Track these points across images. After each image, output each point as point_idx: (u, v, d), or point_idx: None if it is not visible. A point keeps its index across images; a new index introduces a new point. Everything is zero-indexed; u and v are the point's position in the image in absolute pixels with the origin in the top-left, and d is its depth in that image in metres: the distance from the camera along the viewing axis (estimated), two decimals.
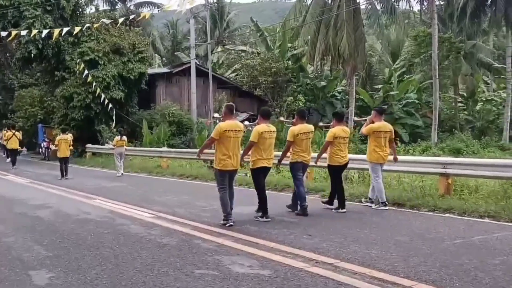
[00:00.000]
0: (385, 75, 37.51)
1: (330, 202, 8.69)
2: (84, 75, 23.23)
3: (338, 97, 32.51)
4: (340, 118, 8.88)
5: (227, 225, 7.17)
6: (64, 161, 15.72)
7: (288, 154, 8.44)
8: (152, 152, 19.67)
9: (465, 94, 38.26)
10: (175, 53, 45.96)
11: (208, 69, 30.38)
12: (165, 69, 30.56)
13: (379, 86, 34.52)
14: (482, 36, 39.50)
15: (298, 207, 8.14)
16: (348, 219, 7.80)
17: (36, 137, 30.97)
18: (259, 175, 7.81)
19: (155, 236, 6.55)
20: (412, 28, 38.63)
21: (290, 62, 30.91)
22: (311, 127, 8.44)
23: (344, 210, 8.33)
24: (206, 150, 8.85)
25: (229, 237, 6.39)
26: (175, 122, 25.79)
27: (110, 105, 23.55)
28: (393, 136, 8.92)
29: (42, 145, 26.60)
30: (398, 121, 30.77)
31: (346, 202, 8.59)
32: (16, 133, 21.76)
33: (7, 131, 22.52)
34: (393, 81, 34.42)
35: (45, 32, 16.50)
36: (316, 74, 32.80)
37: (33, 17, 22.68)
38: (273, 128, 7.84)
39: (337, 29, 27.13)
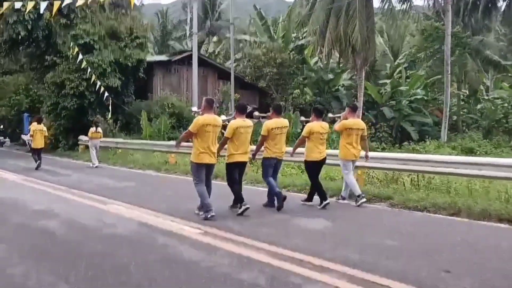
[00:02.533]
0: (387, 70, 36.17)
1: (309, 199, 8.64)
2: (78, 60, 21.19)
3: (344, 92, 30.93)
4: (319, 113, 8.70)
5: (209, 216, 7.12)
6: (38, 152, 15.54)
7: (262, 148, 8.39)
8: (157, 146, 17.74)
9: (467, 92, 37.12)
10: (168, 43, 43.82)
11: (210, 59, 28.65)
12: (163, 57, 28.54)
13: (384, 81, 33.12)
14: (486, 32, 38.40)
15: (276, 203, 8.01)
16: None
17: (20, 127, 28.74)
18: (233, 169, 7.80)
19: (228, 267, 4.81)
20: (415, 22, 37.29)
21: (293, 53, 29.15)
22: (286, 121, 8.48)
23: (327, 202, 8.20)
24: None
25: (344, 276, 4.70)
26: (175, 114, 23.92)
27: (106, 94, 21.56)
28: (366, 134, 8.98)
29: (29, 135, 24.40)
30: (406, 118, 29.42)
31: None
32: None
33: None
34: (399, 76, 33.08)
35: (43, 5, 14.37)
36: (321, 67, 31.20)
37: None
38: (250, 123, 7.84)
39: (349, 18, 25.56)
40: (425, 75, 32.34)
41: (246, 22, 43.43)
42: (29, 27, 21.31)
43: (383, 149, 24.48)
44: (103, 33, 22.44)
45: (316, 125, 8.44)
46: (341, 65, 30.40)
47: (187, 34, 42.11)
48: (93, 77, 21.22)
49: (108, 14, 23.45)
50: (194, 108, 9.71)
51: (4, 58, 31.97)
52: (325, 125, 8.64)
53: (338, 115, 9.58)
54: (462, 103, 35.99)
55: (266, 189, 8.38)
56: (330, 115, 10.54)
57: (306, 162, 8.63)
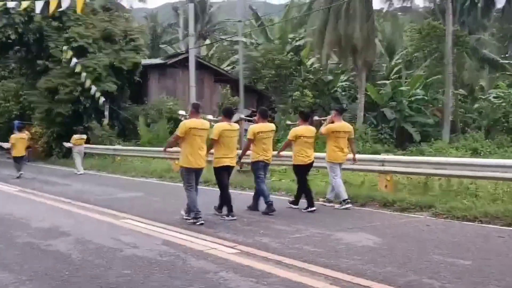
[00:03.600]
0: (383, 70, 35.65)
1: (295, 202, 8.59)
2: (71, 64, 20.33)
3: (343, 93, 30.31)
4: (306, 117, 8.74)
5: (198, 223, 7.14)
6: (19, 160, 15.51)
7: (249, 152, 8.43)
8: (159, 152, 16.86)
9: (464, 92, 36.71)
10: (160, 46, 42.92)
11: (207, 61, 27.95)
12: (158, 60, 27.69)
13: (383, 82, 32.54)
14: (482, 31, 38.09)
15: (260, 207, 8.13)
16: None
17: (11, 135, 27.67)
18: (222, 173, 7.75)
19: None
20: (411, 22, 36.88)
21: (291, 55, 28.48)
22: (272, 125, 8.45)
23: (314, 208, 8.19)
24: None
25: None
26: (173, 119, 23.06)
27: (103, 99, 20.71)
28: (353, 136, 8.98)
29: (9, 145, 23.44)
30: (407, 119, 28.85)
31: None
32: None
33: None
34: (398, 76, 32.59)
35: (39, 4, 13.52)
36: (318, 68, 30.56)
37: None
38: (235, 127, 7.84)
39: (349, 18, 25.00)
40: (424, 75, 31.86)
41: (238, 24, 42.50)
42: (20, 30, 20.50)
43: (386, 151, 23.90)
44: (97, 35, 21.60)
45: (303, 129, 8.44)
46: (340, 66, 29.76)
47: (180, 36, 41.26)
48: (88, 82, 20.36)
49: (102, 16, 22.59)
50: (182, 112, 9.54)
51: None
52: (312, 128, 8.60)
53: (324, 118, 9.54)
54: (459, 102, 35.61)
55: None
56: (316, 117, 10.42)
57: (294, 166, 8.62)
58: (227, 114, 7.96)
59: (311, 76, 29.54)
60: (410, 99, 29.44)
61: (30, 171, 17.65)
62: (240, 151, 8.63)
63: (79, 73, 20.35)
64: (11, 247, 6.06)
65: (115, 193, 11.34)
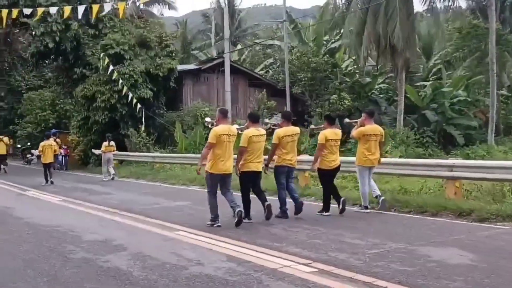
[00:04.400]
0: (421, 71, 34.59)
1: (326, 208, 8.36)
2: (108, 71, 20.18)
3: (381, 95, 29.41)
4: (332, 120, 8.67)
5: (215, 225, 7.37)
6: (48, 167, 15.94)
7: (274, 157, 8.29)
8: (197, 159, 16.44)
9: (506, 92, 35.30)
10: (192, 52, 42.78)
11: (241, 66, 27.56)
12: (192, 66, 27.41)
13: (421, 83, 31.53)
14: None
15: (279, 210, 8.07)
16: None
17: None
18: (247, 179, 7.79)
19: None
20: (449, 21, 35.75)
21: (327, 57, 27.77)
22: (296, 129, 8.43)
23: (328, 214, 8.21)
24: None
25: None
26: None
27: (139, 106, 20.47)
28: (383, 140, 8.86)
29: (59, 153, 23.40)
30: (450, 122, 27.76)
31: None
32: (4, 138, 21.27)
33: None
34: (438, 77, 31.49)
35: (80, 11, 13.31)
36: (354, 70, 29.81)
37: (49, 4, 19.58)
38: (263, 132, 7.88)
39: (388, 17, 24.19)
40: (466, 75, 30.73)
41: (268, 28, 42.05)
42: (57, 38, 20.47)
43: (430, 156, 23.01)
44: (133, 42, 21.44)
45: (330, 132, 8.33)
46: (378, 67, 28.91)
47: (212, 42, 41.02)
48: (125, 89, 20.17)
49: (137, 22, 22.45)
50: (208, 119, 9.58)
51: (31, 73, 31.45)
52: (338, 131, 8.54)
53: (355, 120, 9.37)
54: (501, 103, 34.24)
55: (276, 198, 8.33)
56: (346, 120, 10.38)
57: (319, 170, 8.48)
58: (254, 119, 7.97)
59: (347, 79, 28.82)
60: (452, 100, 28.37)
61: (68, 180, 17.57)
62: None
63: (116, 80, 20.19)
64: (66, 263, 5.62)
65: (160, 202, 10.92)
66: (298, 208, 8.09)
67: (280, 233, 6.99)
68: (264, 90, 24.18)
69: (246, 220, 7.56)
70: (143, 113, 20.76)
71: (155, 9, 47.18)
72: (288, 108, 17.69)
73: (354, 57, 28.61)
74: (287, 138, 8.11)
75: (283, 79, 26.92)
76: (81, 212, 9.79)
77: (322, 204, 8.59)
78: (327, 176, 8.45)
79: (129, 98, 20.27)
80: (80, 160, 23.45)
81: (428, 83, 30.57)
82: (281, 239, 6.54)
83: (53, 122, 27.46)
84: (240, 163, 7.69)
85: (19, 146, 29.07)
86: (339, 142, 8.47)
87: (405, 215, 8.18)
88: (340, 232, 6.93)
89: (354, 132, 8.66)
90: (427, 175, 9.40)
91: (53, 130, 26.57)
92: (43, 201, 11.96)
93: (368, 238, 6.43)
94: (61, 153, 22.98)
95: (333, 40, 29.76)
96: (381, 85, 30.16)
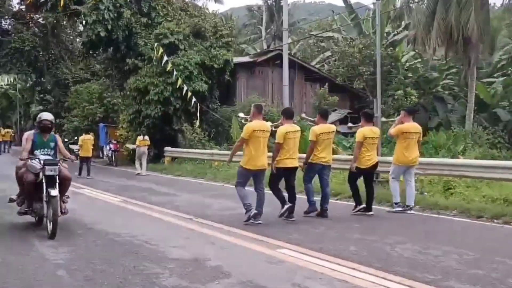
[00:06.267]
0: (484, 66, 32.14)
1: (368, 208, 8.22)
2: (162, 62, 19.00)
3: (445, 92, 27.29)
4: (369, 117, 8.53)
5: (251, 214, 7.35)
6: (87, 161, 16.11)
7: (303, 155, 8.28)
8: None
9: None
10: (241, 46, 41.46)
11: (298, 59, 26.02)
12: (246, 58, 26.01)
13: (489, 80, 29.19)
14: None
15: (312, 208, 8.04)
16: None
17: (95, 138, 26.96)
18: (280, 175, 7.74)
19: None
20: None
21: (391, 50, 25.89)
22: (333, 126, 8.37)
23: (371, 213, 8.16)
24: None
25: None
26: (266, 121, 21.19)
27: (194, 99, 19.21)
28: (421, 138, 8.68)
29: (108, 148, 22.49)
30: None
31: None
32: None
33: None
34: (503, 74, 29.08)
35: None
36: (416, 64, 27.77)
37: None
38: (297, 128, 7.86)
39: (461, 7, 22.15)
40: None
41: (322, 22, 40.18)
42: (109, 27, 19.39)
43: (504, 158, 20.93)
44: (187, 32, 20.16)
45: (368, 130, 8.20)
46: (446, 61, 26.79)
47: (263, 34, 39.62)
48: (179, 81, 18.92)
49: (191, 11, 21.21)
50: (241, 115, 9.46)
51: (78, 65, 30.82)
52: (376, 129, 8.45)
53: (392, 119, 9.38)
54: None
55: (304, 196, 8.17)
56: (383, 119, 10.14)
57: (355, 168, 8.29)
58: (288, 115, 7.92)
59: (409, 74, 26.86)
60: None
61: (120, 176, 16.53)
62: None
63: (170, 72, 18.99)
64: None
65: (234, 207, 9.37)
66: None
67: (409, 257, 5.42)
68: (326, 84, 22.49)
69: (283, 218, 7.64)
70: (198, 107, 19.48)
71: (200, 2, 46.38)
72: (379, 101, 15.82)
73: (417, 50, 26.60)
74: (323, 135, 7.96)
75: (342, 73, 25.24)
76: (150, 217, 8.44)
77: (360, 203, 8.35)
78: (360, 175, 8.30)
79: (184, 91, 19.02)
80: (128, 156, 22.40)
81: (496, 79, 28.28)
82: (397, 261, 4.97)
83: (101, 116, 26.55)
84: (277, 159, 7.59)
85: (66, 140, 28.41)
86: (377, 141, 8.38)
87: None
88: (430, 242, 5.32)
89: (392, 130, 8.48)
90: None
91: (101, 124, 25.84)
92: (103, 201, 10.74)
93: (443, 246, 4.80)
94: (110, 148, 22.06)
95: (395, 33, 27.79)
96: (448, 81, 28.03)
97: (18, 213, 7.08)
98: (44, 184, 6.55)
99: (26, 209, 7.00)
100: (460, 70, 27.99)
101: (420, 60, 28.12)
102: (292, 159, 7.67)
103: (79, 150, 16.91)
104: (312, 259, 5.30)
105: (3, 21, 31.25)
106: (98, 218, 8.29)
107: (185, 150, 18.50)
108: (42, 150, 6.99)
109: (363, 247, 5.82)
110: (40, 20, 30.15)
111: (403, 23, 28.90)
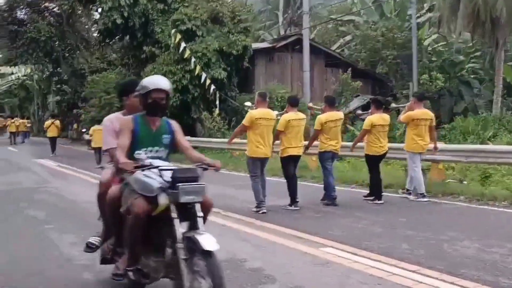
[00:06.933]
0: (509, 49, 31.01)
1: (371, 194, 8.23)
2: (180, 49, 18.45)
3: (471, 76, 26.33)
4: (379, 104, 8.56)
5: (260, 212, 7.27)
6: (99, 151, 15.78)
7: (316, 143, 8.24)
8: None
9: None
10: (256, 32, 40.71)
11: (319, 44, 25.29)
12: (265, 44, 25.33)
13: None
14: None
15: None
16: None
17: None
18: (288, 163, 7.73)
19: None
20: None
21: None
22: (340, 114, 8.35)
23: (381, 202, 7.99)
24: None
25: None
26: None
27: (213, 87, 18.66)
28: (434, 124, 8.52)
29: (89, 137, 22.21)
30: None
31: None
32: (55, 122, 22.53)
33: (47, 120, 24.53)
34: None
35: None
36: (440, 47, 26.82)
37: None
38: (302, 116, 7.84)
39: None
40: None
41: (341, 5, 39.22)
42: (125, 14, 18.87)
43: None
44: (205, 17, 19.54)
45: (377, 117, 8.16)
46: (473, 44, 25.83)
47: (280, 20, 38.82)
48: (198, 68, 18.37)
49: None
50: (247, 103, 9.03)
51: (94, 55, 30.50)
52: (386, 117, 8.38)
53: (402, 105, 9.16)
54: None
55: (322, 185, 8.23)
56: (393, 105, 9.90)
57: (367, 156, 8.38)
58: (293, 103, 7.87)
59: (433, 58, 25.95)
60: None
61: None
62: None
63: (188, 59, 18.44)
64: None
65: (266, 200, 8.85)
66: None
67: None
68: (350, 69, 21.72)
69: (292, 208, 7.56)
70: (218, 95, 18.92)
71: None
72: (416, 84, 15.04)
73: (441, 33, 25.65)
74: (330, 123, 7.90)
75: (364, 57, 24.45)
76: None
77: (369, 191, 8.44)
78: (374, 162, 8.26)
79: (202, 79, 18.48)
80: None
81: None
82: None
83: (118, 106, 26.10)
84: (281, 148, 7.68)
85: (84, 130, 28.14)
86: (387, 128, 8.33)
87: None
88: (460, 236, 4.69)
89: (402, 117, 8.45)
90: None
91: None
92: None
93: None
94: None
95: (418, 15, 26.82)
96: (471, 65, 27.05)
97: (113, 276, 3.92)
98: (178, 221, 3.30)
99: (129, 269, 3.57)
100: (484, 53, 27.04)
101: (445, 43, 27.18)
102: (296, 147, 7.65)
103: (90, 141, 17.08)
104: (362, 260, 4.76)
105: (18, 11, 31.02)
106: None
107: (205, 139, 18.01)
108: (150, 149, 3.73)
109: (418, 245, 5.24)
110: (55, 9, 29.81)
111: (425, 5, 27.90)
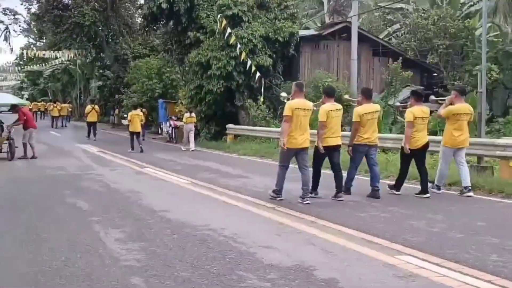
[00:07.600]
0: None
1: (424, 190, 7.91)
2: (226, 35, 17.95)
3: None
4: (419, 96, 8.25)
5: (277, 199, 7.48)
6: (136, 135, 16.64)
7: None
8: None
9: None
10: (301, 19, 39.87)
11: (366, 31, 24.38)
12: (311, 31, 24.55)
13: None
14: None
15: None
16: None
17: (153, 114, 26.50)
18: (322, 154, 7.64)
19: None
20: None
21: (468, 22, 23.71)
22: (377, 106, 8.32)
23: (399, 192, 8.11)
24: None
25: None
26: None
27: (258, 74, 18.12)
28: (472, 120, 8.40)
29: (168, 124, 21.91)
30: None
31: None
32: (95, 107, 23.39)
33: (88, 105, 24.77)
34: None
35: None
36: (493, 38, 25.39)
37: None
38: (339, 107, 7.85)
39: None
40: None
41: None
42: None
43: None
44: (251, 3, 18.96)
45: (418, 110, 7.97)
46: None
47: (325, 7, 37.87)
48: (243, 55, 17.85)
49: None
50: (283, 94, 9.44)
51: (136, 41, 30.48)
52: (426, 109, 8.15)
53: (442, 98, 9.05)
54: None
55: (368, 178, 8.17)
56: (432, 97, 9.68)
57: (402, 148, 8.08)
58: (330, 94, 7.89)
59: (486, 49, 24.57)
60: None
61: (181, 154, 15.80)
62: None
63: (233, 45, 17.93)
64: None
65: (323, 194, 8.21)
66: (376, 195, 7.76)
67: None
68: (400, 58, 20.74)
69: (312, 195, 7.59)
70: (263, 82, 18.38)
71: None
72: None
73: (496, 22, 24.28)
74: (366, 115, 7.81)
75: (414, 47, 23.38)
76: (225, 205, 7.51)
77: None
78: (409, 156, 7.96)
79: (247, 66, 17.95)
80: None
81: None
82: None
83: (160, 91, 26.00)
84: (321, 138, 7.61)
85: (125, 116, 28.23)
86: (427, 121, 8.12)
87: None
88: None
89: (442, 111, 8.25)
90: None
91: (160, 100, 25.29)
92: (168, 182, 9.96)
93: None
94: (170, 124, 21.44)
95: (471, 3, 25.48)
96: None
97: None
98: None
99: None
100: None
101: (498, 33, 25.74)
102: (335, 137, 7.66)
103: (128, 125, 17.38)
104: (452, 274, 4.14)
105: None
106: (168, 204, 7.45)
107: (249, 127, 17.53)
108: None
109: (509, 256, 4.57)
110: None
111: None
